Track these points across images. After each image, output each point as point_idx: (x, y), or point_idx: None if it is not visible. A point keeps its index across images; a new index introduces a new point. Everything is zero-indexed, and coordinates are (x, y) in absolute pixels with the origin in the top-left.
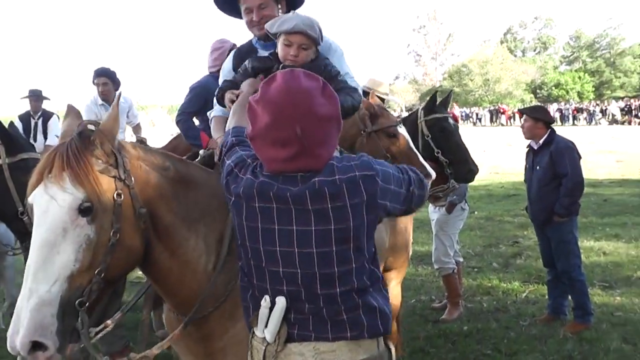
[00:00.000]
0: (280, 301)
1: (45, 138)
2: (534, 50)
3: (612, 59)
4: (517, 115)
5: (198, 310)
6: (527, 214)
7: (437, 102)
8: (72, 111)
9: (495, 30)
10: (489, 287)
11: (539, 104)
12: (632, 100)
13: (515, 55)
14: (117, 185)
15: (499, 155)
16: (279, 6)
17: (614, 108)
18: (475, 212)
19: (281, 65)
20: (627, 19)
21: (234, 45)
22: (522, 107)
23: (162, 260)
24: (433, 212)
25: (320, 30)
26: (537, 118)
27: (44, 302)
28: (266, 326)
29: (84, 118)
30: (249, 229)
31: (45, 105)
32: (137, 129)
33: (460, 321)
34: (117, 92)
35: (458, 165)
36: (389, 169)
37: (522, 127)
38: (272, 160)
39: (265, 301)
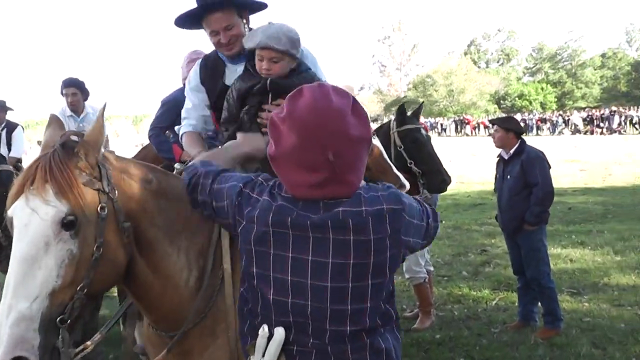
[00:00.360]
0: (279, 333)
1: (9, 150)
2: (497, 62)
3: (573, 71)
4: (482, 126)
5: (182, 327)
6: (494, 223)
7: (409, 114)
8: (54, 121)
9: (459, 42)
10: (459, 295)
11: (503, 114)
12: (593, 111)
13: (479, 67)
14: (101, 198)
15: (464, 165)
16: (244, 21)
17: (577, 118)
18: (443, 222)
19: (269, 80)
20: (588, 32)
21: None
22: (487, 117)
23: (144, 275)
24: None
25: (292, 40)
26: (509, 128)
27: (24, 317)
28: (263, 356)
29: None
30: (259, 253)
31: (9, 116)
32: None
33: (432, 330)
34: (103, 103)
35: (431, 175)
36: (413, 201)
37: (493, 137)
38: (298, 185)
39: (263, 330)
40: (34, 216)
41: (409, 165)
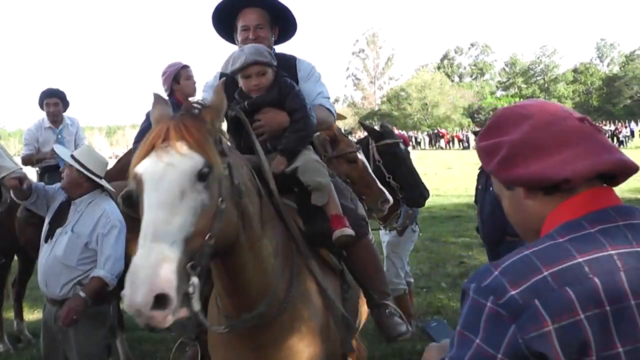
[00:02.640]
0: None
1: None
2: (471, 76)
3: (546, 85)
4: (456, 139)
5: (258, 316)
6: (471, 235)
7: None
8: (159, 99)
9: (432, 56)
10: (439, 306)
11: (478, 128)
12: None
13: (453, 81)
14: (223, 159)
15: (439, 178)
16: (272, 32)
17: None
18: (420, 234)
19: (247, 102)
20: (560, 47)
21: (182, 66)
22: (461, 131)
23: (241, 251)
24: (384, 235)
25: (270, 52)
26: None
27: (165, 258)
28: None
29: (24, 142)
30: None
31: None
32: None
33: (413, 340)
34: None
35: (409, 190)
36: None
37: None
38: (572, 159)
39: None
40: (169, 168)
41: (387, 179)
